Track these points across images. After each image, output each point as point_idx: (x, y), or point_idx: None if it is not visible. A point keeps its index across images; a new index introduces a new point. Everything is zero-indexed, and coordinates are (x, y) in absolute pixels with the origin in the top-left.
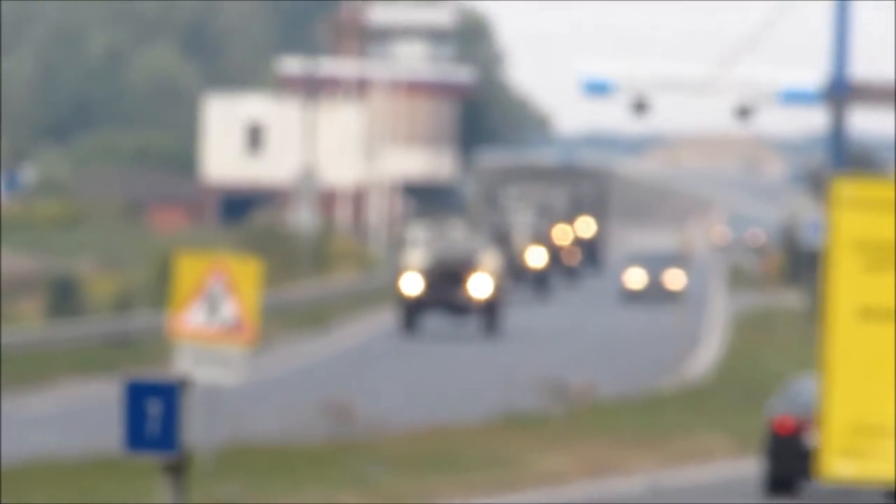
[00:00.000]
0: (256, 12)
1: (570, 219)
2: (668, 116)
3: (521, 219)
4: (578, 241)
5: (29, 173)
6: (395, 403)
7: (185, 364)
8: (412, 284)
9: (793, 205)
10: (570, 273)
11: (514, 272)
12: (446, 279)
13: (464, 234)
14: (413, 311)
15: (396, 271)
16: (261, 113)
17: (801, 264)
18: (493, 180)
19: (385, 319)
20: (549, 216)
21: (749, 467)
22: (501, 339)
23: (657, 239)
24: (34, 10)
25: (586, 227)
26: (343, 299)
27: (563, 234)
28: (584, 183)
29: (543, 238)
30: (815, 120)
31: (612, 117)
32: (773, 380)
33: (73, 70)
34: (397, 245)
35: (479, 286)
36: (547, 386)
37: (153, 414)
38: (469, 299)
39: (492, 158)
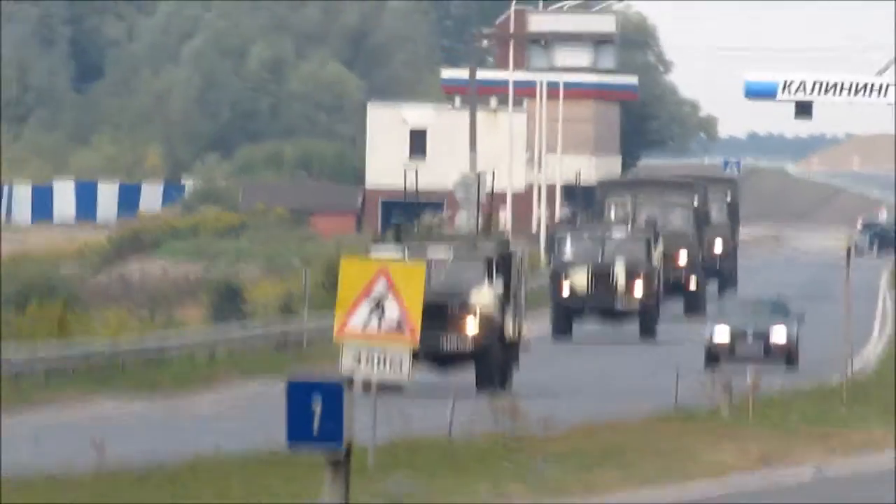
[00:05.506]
0: (418, 21)
1: (691, 237)
2: (831, 119)
3: (622, 240)
4: (702, 264)
5: (191, 184)
6: (558, 401)
7: (351, 364)
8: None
9: None
10: (693, 302)
11: (614, 304)
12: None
13: (454, 262)
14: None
15: None
16: (423, 120)
17: None
18: (600, 195)
19: (544, 320)
20: (666, 236)
21: None
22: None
23: (824, 240)
24: (195, 21)
25: (713, 246)
26: None
27: (680, 256)
28: (711, 195)
29: (647, 263)
30: None
31: (775, 121)
32: None
33: (234, 81)
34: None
35: (465, 331)
36: (713, 382)
37: (316, 412)
38: (453, 347)
39: (651, 166)
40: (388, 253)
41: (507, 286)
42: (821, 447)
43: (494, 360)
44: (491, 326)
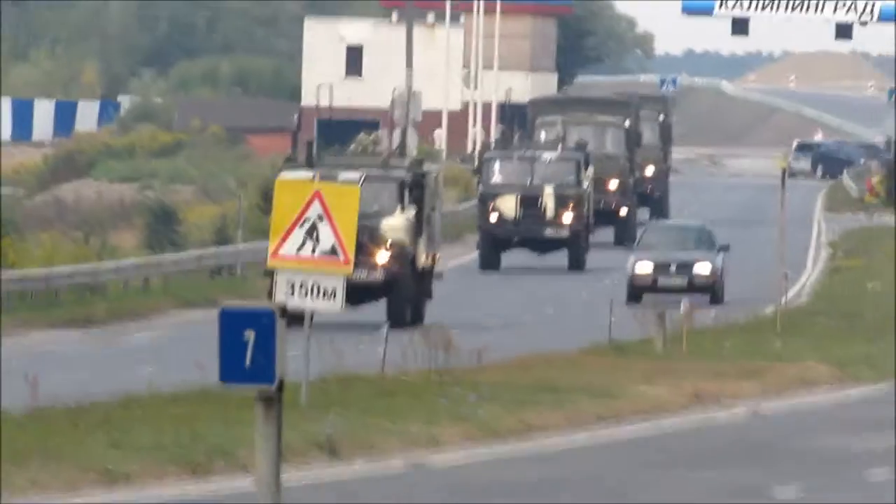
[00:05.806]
0: None
1: (623, 160)
2: (768, 37)
3: (551, 164)
4: (633, 188)
5: (127, 101)
6: (491, 334)
7: (284, 292)
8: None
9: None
10: (623, 228)
11: (543, 232)
12: None
13: (365, 186)
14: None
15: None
16: (361, 36)
17: None
18: (531, 114)
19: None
20: (597, 159)
21: (852, 395)
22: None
23: (760, 161)
24: None
25: (644, 169)
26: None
27: (611, 181)
28: (643, 115)
29: (577, 188)
30: None
31: (711, 38)
32: (876, 304)
33: None
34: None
35: (375, 260)
36: (647, 314)
37: (249, 342)
38: (362, 277)
39: (587, 83)
40: (297, 176)
41: (419, 211)
42: (755, 382)
43: (406, 292)
44: (403, 255)
